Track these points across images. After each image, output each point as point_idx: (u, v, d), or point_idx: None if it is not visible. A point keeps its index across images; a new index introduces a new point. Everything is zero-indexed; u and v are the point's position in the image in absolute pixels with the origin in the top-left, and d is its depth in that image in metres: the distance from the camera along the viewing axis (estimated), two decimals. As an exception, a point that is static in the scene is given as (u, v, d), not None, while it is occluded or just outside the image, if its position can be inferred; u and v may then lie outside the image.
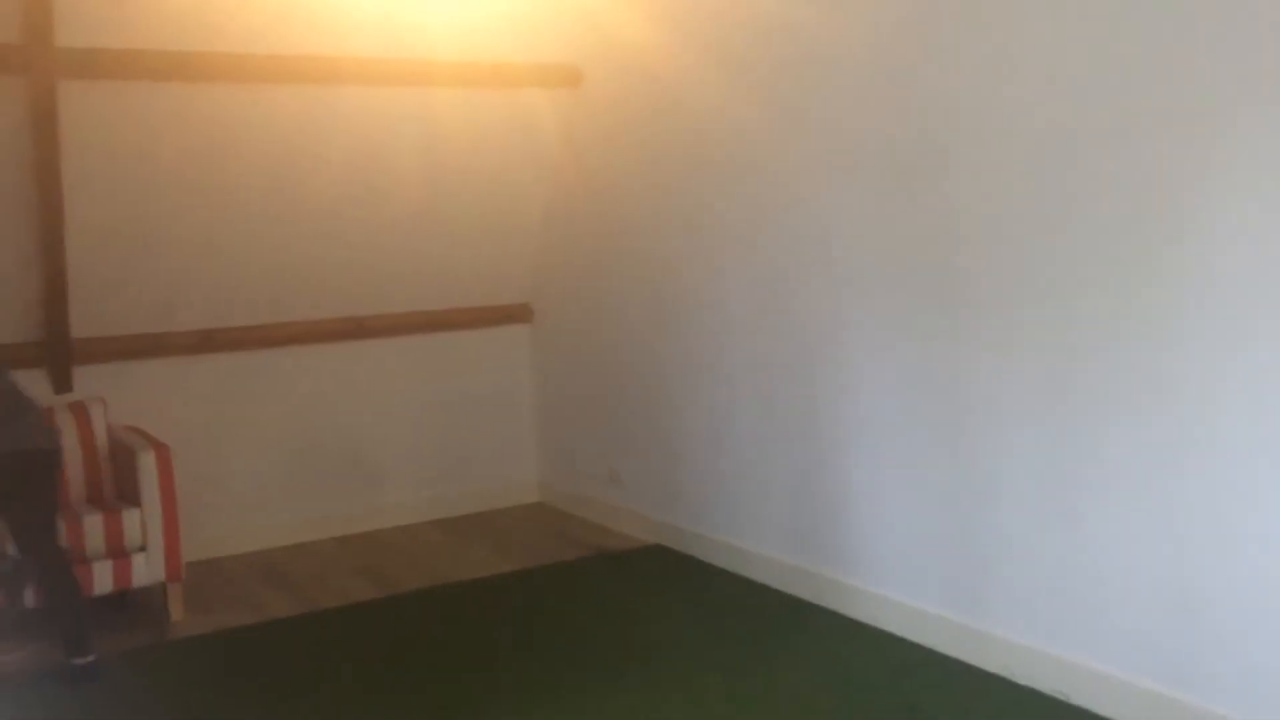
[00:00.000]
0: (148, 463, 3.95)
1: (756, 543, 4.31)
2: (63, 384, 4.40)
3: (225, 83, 4.10)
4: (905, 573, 3.70)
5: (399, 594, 4.29)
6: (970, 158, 3.35)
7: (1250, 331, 2.72)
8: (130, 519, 3.92)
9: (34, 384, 4.07)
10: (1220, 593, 2.83)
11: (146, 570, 3.95)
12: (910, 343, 3.61)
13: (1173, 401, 2.90)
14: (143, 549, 3.95)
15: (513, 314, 5.51)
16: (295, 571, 4.60)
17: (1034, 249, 3.20)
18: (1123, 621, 3.07)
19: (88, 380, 4.43)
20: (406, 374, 5.24)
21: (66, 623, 3.50)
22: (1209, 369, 2.81)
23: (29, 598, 3.62)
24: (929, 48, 3.45)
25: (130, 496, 4.03)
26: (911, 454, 3.64)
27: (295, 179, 4.48)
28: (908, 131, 3.54)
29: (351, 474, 5.14)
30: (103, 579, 3.86)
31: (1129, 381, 2.99)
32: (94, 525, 3.85)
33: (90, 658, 3.49)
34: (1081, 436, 3.12)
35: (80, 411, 4.21)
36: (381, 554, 4.82)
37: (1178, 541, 2.92)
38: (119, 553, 3.90)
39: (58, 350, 4.36)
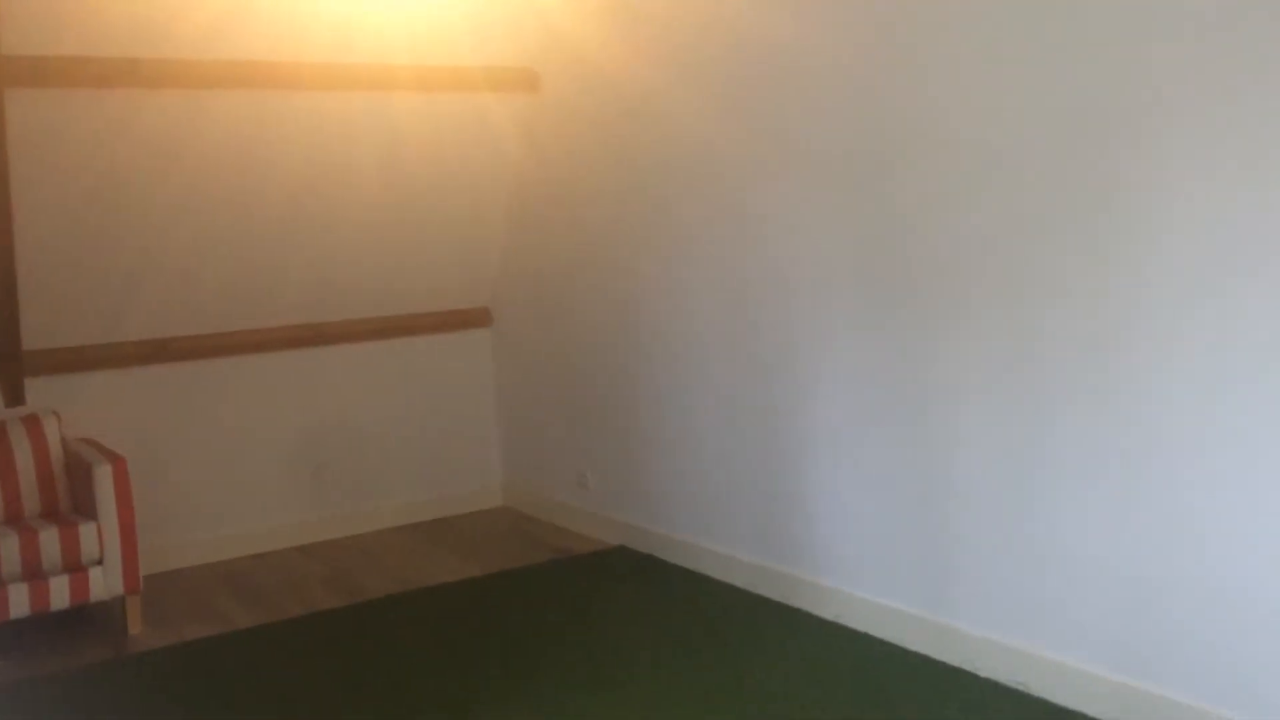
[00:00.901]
0: (103, 475, 3.90)
1: (721, 543, 4.33)
2: (15, 397, 4.34)
3: (175, 89, 4.05)
4: (868, 569, 3.73)
5: (364, 601, 4.26)
6: (924, 163, 3.39)
7: (1202, 325, 2.76)
8: (86, 532, 3.86)
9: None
10: (1177, 583, 2.88)
11: (104, 584, 3.90)
12: (869, 343, 3.63)
13: (1127, 396, 2.94)
14: (99, 562, 3.89)
15: (473, 318, 5.50)
16: (258, 581, 4.56)
17: (987, 250, 3.24)
18: (1081, 613, 3.11)
19: (41, 392, 4.37)
20: (367, 380, 5.21)
21: None
22: (1161, 364, 2.85)
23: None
24: (883, 55, 3.48)
25: (86, 510, 3.98)
26: (872, 453, 3.67)
27: (249, 185, 4.44)
28: (863, 137, 3.57)
29: (314, 481, 5.10)
30: (59, 593, 3.81)
31: (1083, 377, 3.03)
32: (50, 539, 3.80)
33: None
34: (1038, 432, 3.16)
35: (34, 424, 4.15)
36: (346, 561, 4.79)
37: (1134, 534, 2.96)
38: (75, 567, 3.85)
39: (9, 362, 4.30)
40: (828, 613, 3.84)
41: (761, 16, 3.84)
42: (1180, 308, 2.80)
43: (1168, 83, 2.77)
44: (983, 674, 3.33)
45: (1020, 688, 3.23)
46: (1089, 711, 3.07)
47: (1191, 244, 2.76)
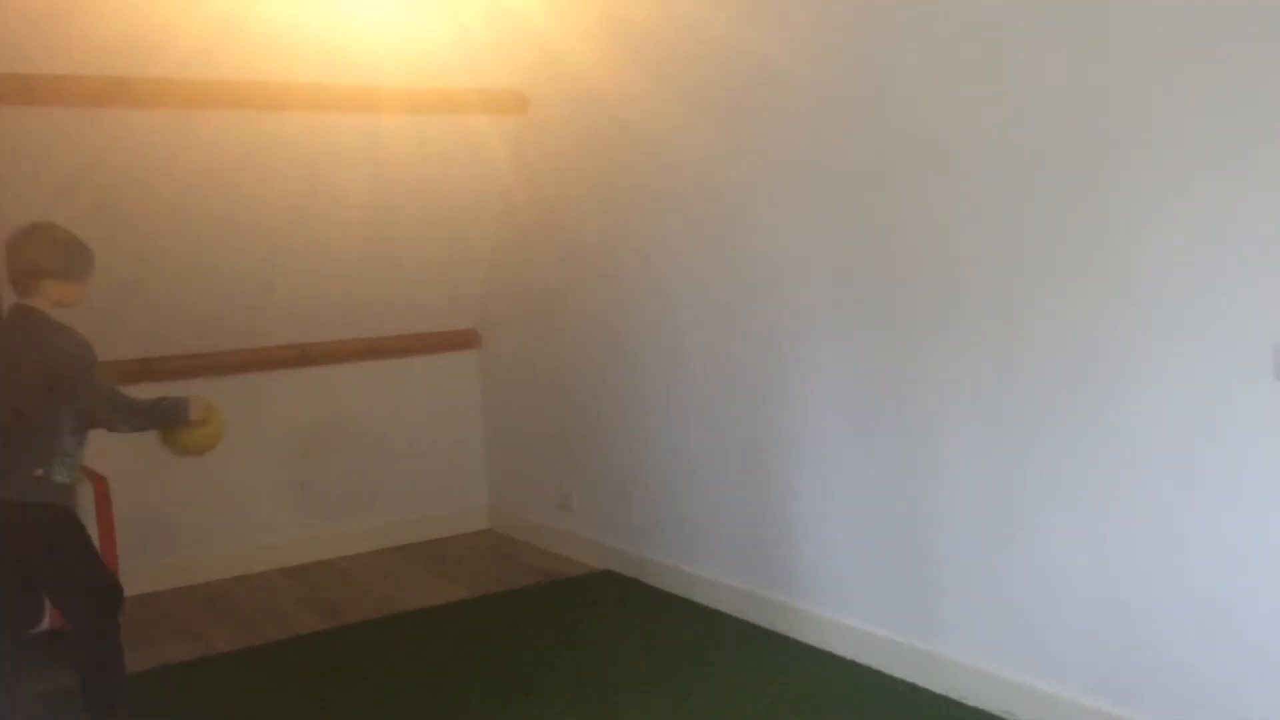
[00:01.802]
0: (85, 496, 3.85)
1: (706, 567, 4.31)
2: (-3, 415, 4.29)
3: (164, 108, 4.04)
4: (854, 596, 3.72)
5: (347, 624, 4.23)
6: (912, 182, 3.40)
7: (1189, 347, 2.77)
8: (67, 553, 3.82)
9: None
10: (1164, 610, 2.88)
11: (84, 606, 3.85)
12: (855, 366, 3.64)
13: (1113, 421, 2.95)
14: (80, 584, 3.84)
15: (460, 340, 5.49)
16: (239, 604, 4.52)
17: (973, 272, 3.25)
18: (1068, 640, 3.11)
19: (23, 411, 4.32)
20: (353, 401, 5.19)
21: (96, 686, 3.27)
22: (1148, 387, 2.86)
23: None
24: (872, 73, 3.50)
25: (67, 530, 3.93)
26: (859, 478, 3.67)
27: (237, 205, 4.43)
28: (853, 156, 3.59)
29: (297, 503, 5.07)
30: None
31: (1070, 401, 3.04)
32: (29, 560, 3.75)
33: None
34: (1024, 457, 3.17)
35: (15, 443, 4.10)
36: (329, 584, 4.76)
37: (1122, 560, 2.97)
38: (55, 588, 3.80)
39: (-8, 381, 4.25)
40: (814, 639, 3.83)
41: (750, 37, 3.86)
42: (1163, 329, 2.81)
43: (1155, 103, 2.79)
44: (970, 703, 3.32)
45: (1008, 716, 3.23)
46: (1075, 740, 3.07)
47: (1178, 265, 2.78)
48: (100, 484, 3.91)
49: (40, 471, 3.12)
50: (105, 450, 4.42)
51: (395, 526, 5.29)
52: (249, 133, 4.27)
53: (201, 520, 4.81)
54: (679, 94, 4.18)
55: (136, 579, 4.45)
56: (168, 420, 3.40)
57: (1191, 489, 2.80)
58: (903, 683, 3.50)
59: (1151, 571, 2.90)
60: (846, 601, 3.74)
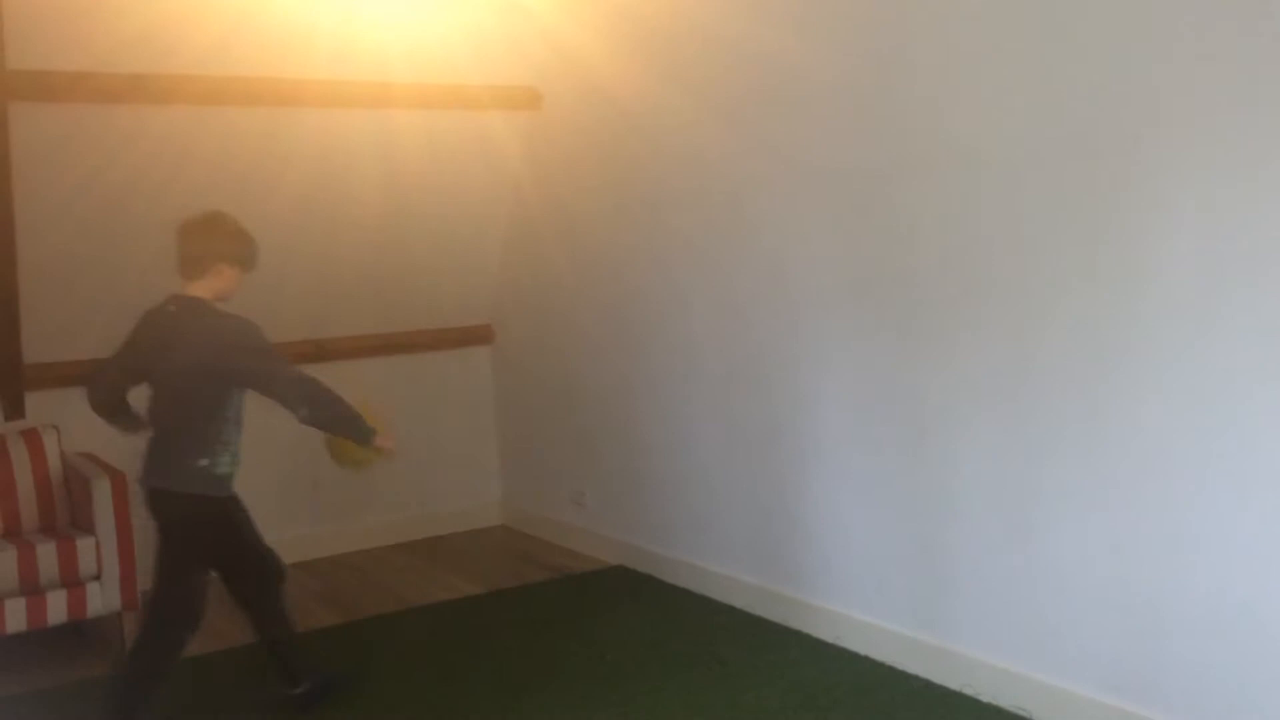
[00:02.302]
0: (102, 490, 3.89)
1: (719, 563, 4.32)
2: (15, 410, 4.33)
3: (179, 104, 4.06)
4: (867, 591, 3.72)
5: (360, 619, 4.25)
6: (924, 182, 3.40)
7: (1201, 346, 2.77)
8: (85, 548, 3.85)
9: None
10: (1180, 607, 2.87)
11: (101, 599, 3.88)
12: (868, 363, 3.64)
13: (1126, 417, 2.94)
14: (97, 578, 3.88)
15: (474, 336, 5.49)
16: (254, 598, 4.53)
17: (987, 269, 3.25)
18: (1082, 637, 3.10)
19: (41, 406, 4.36)
20: (368, 398, 5.18)
21: (276, 655, 3.42)
22: (1161, 385, 2.86)
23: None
24: (884, 71, 3.49)
25: (85, 525, 3.96)
26: (872, 473, 3.67)
27: (250, 201, 4.41)
28: (865, 153, 3.58)
29: (311, 498, 5.09)
30: (57, 609, 3.79)
31: (1080, 398, 3.04)
32: (47, 554, 3.78)
33: (301, 689, 3.40)
34: (1037, 453, 3.16)
35: (33, 439, 4.14)
36: (342, 579, 4.77)
37: (1135, 556, 2.96)
38: (73, 582, 3.83)
39: (10, 376, 4.29)
40: (827, 634, 3.83)
41: (764, 33, 3.86)
42: (1177, 326, 2.81)
43: (1172, 102, 2.78)
44: (984, 699, 3.32)
45: (1022, 713, 3.22)
46: (1090, 737, 3.06)
47: (1190, 265, 2.77)
48: (117, 478, 3.93)
49: (205, 462, 3.16)
50: (121, 447, 4.45)
51: (409, 522, 5.31)
52: (264, 129, 4.29)
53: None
54: (692, 91, 4.18)
55: (151, 573, 4.47)
56: (356, 429, 3.35)
57: (1207, 487, 2.79)
58: (916, 678, 3.50)
59: (1167, 568, 2.89)
60: (860, 597, 3.74)
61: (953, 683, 3.41)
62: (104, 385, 3.32)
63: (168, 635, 3.24)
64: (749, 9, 3.92)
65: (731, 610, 4.17)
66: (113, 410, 3.34)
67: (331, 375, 5.01)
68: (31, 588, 3.75)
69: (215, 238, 3.23)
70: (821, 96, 3.70)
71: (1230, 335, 2.71)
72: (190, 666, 3.80)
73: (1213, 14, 2.67)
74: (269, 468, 4.94)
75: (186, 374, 3.15)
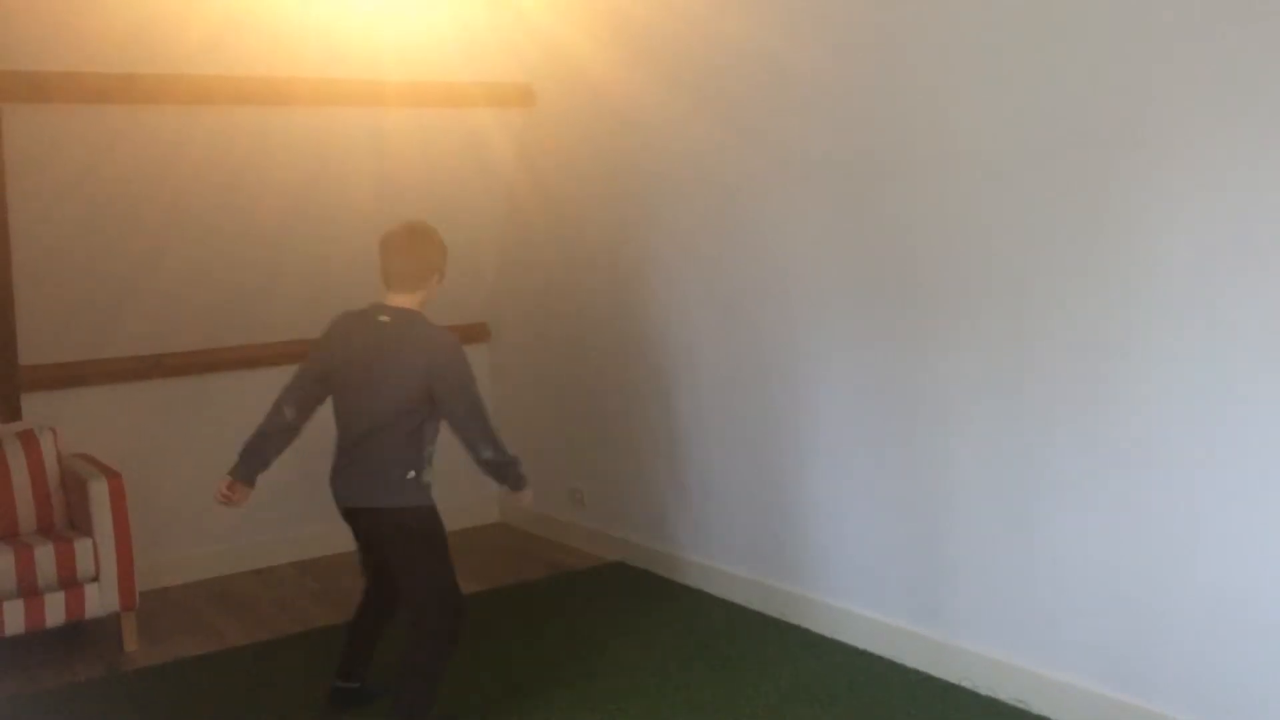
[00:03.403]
0: (99, 491, 3.88)
1: (717, 558, 4.32)
2: (11, 412, 4.32)
3: (170, 104, 4.03)
4: (865, 585, 3.72)
5: (359, 618, 4.24)
6: (923, 176, 3.39)
7: (1197, 337, 2.77)
8: (82, 549, 3.85)
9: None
10: (1176, 598, 2.88)
11: (99, 601, 3.88)
12: (867, 357, 3.63)
13: (1123, 410, 2.94)
14: (95, 579, 3.87)
15: (470, 334, 5.47)
16: (253, 598, 4.54)
17: (982, 262, 3.25)
18: (1080, 629, 3.10)
19: (37, 408, 4.35)
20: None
21: (358, 654, 3.34)
22: (1157, 377, 2.86)
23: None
24: (879, 67, 3.49)
25: (82, 526, 3.96)
26: (869, 467, 3.67)
27: (244, 200, 4.43)
28: (859, 148, 3.57)
29: (309, 497, 5.05)
30: (55, 610, 3.79)
31: (1078, 391, 3.04)
32: (45, 556, 3.78)
33: (351, 685, 3.34)
34: (1033, 446, 3.16)
35: (30, 440, 4.13)
36: (341, 577, 4.77)
37: (1133, 548, 2.96)
38: (71, 583, 3.83)
39: (6, 378, 4.27)
40: (825, 629, 3.83)
41: (758, 32, 3.85)
42: (1175, 320, 2.81)
43: (1168, 95, 2.78)
44: (982, 691, 3.33)
45: (1021, 706, 3.23)
46: (1088, 729, 3.07)
47: (1186, 256, 2.77)
48: (114, 479, 3.92)
49: (412, 474, 3.10)
50: (118, 445, 4.46)
51: (407, 519, 5.30)
52: (255, 127, 4.27)
53: (215, 514, 4.81)
54: (685, 86, 4.17)
55: (150, 574, 4.49)
56: (511, 478, 3.27)
57: (1203, 478, 2.79)
58: (915, 672, 3.50)
59: (1163, 560, 2.89)
60: (859, 591, 3.74)
61: (951, 676, 3.42)
62: (296, 397, 3.21)
63: (439, 633, 3.11)
64: (743, 8, 3.91)
65: (729, 605, 4.17)
66: (295, 429, 3.23)
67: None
68: (29, 589, 3.74)
69: (430, 249, 3.18)
70: (817, 93, 3.69)
71: (1226, 329, 2.71)
72: (192, 666, 3.81)
73: (1210, 9, 2.67)
74: (269, 468, 4.93)
75: (401, 387, 3.06)
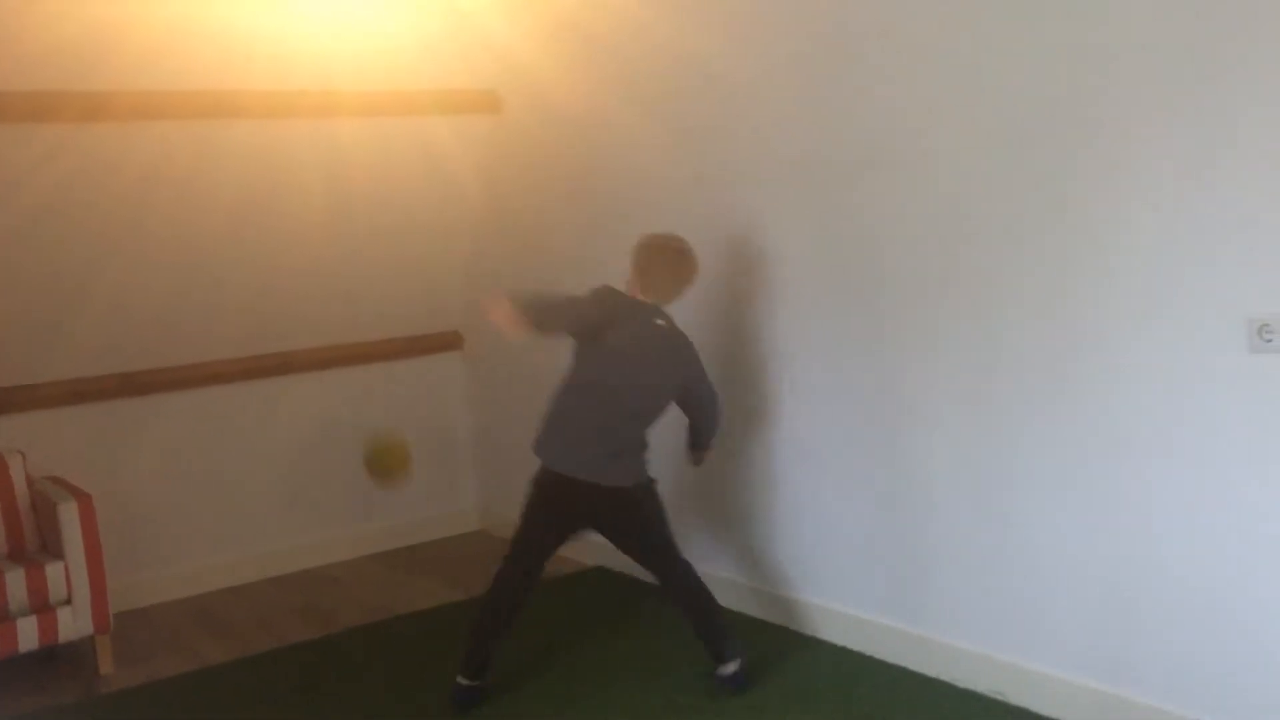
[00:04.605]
0: (69, 513, 3.84)
1: (696, 559, 4.28)
2: (-20, 436, 4.27)
3: (106, 121, 3.91)
4: (845, 584, 3.72)
5: (340, 632, 4.22)
6: (886, 178, 3.40)
7: (1162, 327, 2.78)
8: (54, 572, 3.80)
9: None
10: (1150, 587, 2.89)
11: (73, 624, 3.83)
12: (840, 359, 3.64)
13: (1091, 403, 2.96)
14: (68, 602, 3.83)
15: (444, 342, 5.47)
16: (231, 615, 4.50)
17: (951, 263, 3.26)
18: (1057, 621, 3.11)
19: (7, 431, 4.30)
20: (337, 407, 5.16)
21: (704, 635, 3.45)
22: (1126, 368, 2.87)
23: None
24: (840, 76, 3.50)
25: (53, 549, 3.92)
26: (846, 465, 3.67)
27: (187, 215, 4.37)
28: (825, 152, 3.58)
29: (286, 512, 5.05)
30: (28, 635, 3.74)
31: (1051, 385, 3.05)
32: (16, 581, 3.73)
33: (732, 667, 3.40)
34: (1006, 440, 3.18)
35: (-2, 464, 4.08)
36: (320, 592, 4.74)
37: (1106, 539, 2.97)
38: (43, 607, 3.78)
39: (-29, 402, 4.23)
40: (805, 627, 3.84)
41: (709, 39, 3.86)
42: (1141, 311, 2.82)
43: (1124, 88, 2.79)
44: (961, 685, 3.33)
45: (999, 697, 3.24)
46: (1068, 719, 3.08)
47: (1149, 247, 2.79)
48: (84, 501, 3.88)
49: (646, 455, 3.47)
50: (90, 466, 4.41)
51: (386, 531, 5.28)
52: (200, 142, 4.18)
53: (190, 532, 4.79)
54: (648, 95, 4.17)
55: (126, 594, 4.44)
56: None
57: (1172, 466, 2.80)
58: (895, 668, 3.51)
59: (1136, 549, 2.91)
60: (838, 589, 3.75)
61: (931, 670, 3.43)
62: (575, 316, 3.39)
63: (695, 590, 3.48)
64: (701, 23, 3.91)
65: (711, 607, 4.16)
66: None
67: (300, 387, 5.04)
68: (1, 615, 3.70)
69: (694, 265, 3.46)
70: (778, 100, 3.70)
71: (1188, 316, 2.73)
72: (170, 687, 3.78)
73: (1167, 5, 2.68)
74: (242, 483, 4.91)
75: (664, 389, 3.43)
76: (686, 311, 4.15)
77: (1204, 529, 2.76)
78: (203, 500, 4.80)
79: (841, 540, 3.72)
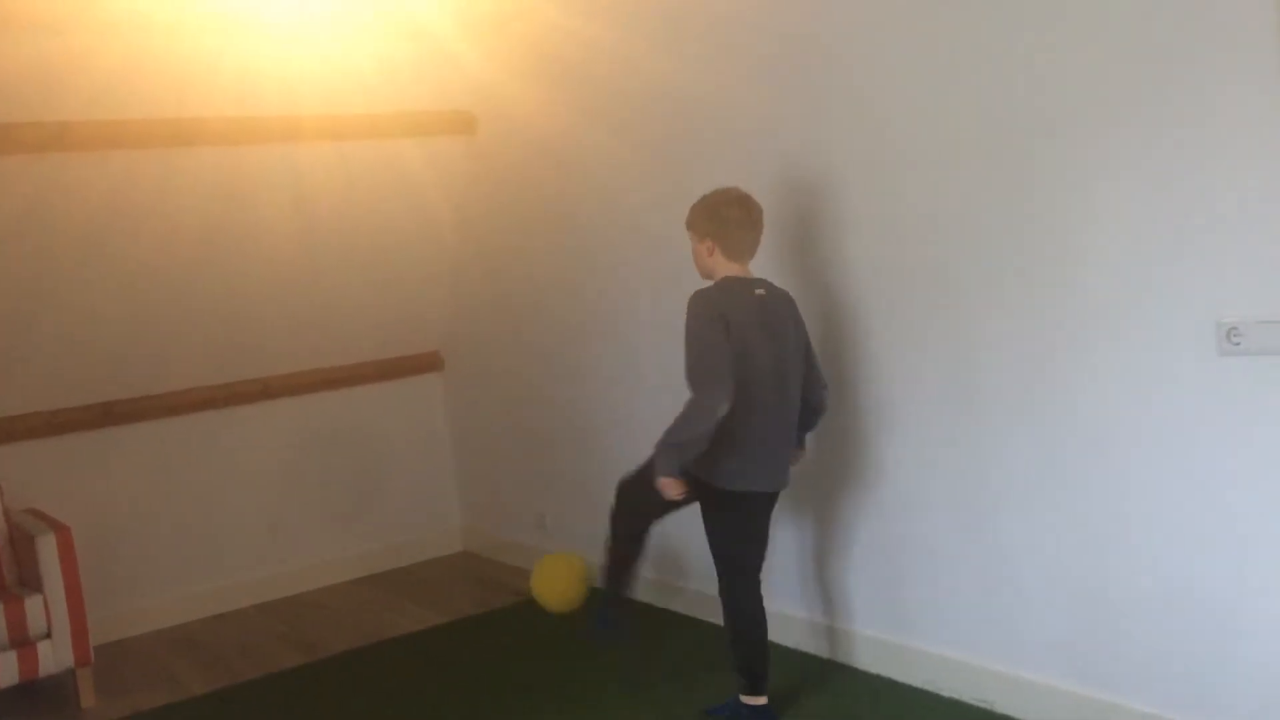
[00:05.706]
0: (47, 546, 3.81)
1: (682, 578, 4.31)
2: (-44, 471, 4.24)
3: (61, 151, 3.89)
4: (825, 595, 3.72)
5: (326, 657, 4.19)
6: (856, 189, 3.42)
7: (1132, 332, 2.80)
8: (33, 606, 3.77)
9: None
10: (1129, 590, 2.90)
11: (53, 658, 3.80)
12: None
13: (1067, 407, 2.97)
14: (48, 636, 3.79)
15: (424, 363, 5.46)
16: (214, 643, 4.47)
17: (923, 272, 3.27)
18: (1039, 627, 3.12)
19: (-14, 465, 4.27)
20: (318, 432, 5.14)
21: (738, 656, 3.23)
22: (1097, 373, 2.89)
23: None
24: (801, 90, 3.52)
25: (32, 583, 3.88)
26: (825, 476, 3.67)
27: (174, 243, 4.35)
28: (793, 168, 3.60)
29: (268, 538, 5.03)
30: (8, 670, 3.70)
31: (1024, 391, 3.07)
32: (-6, 615, 3.70)
33: (758, 702, 3.18)
34: (984, 450, 3.19)
35: (-25, 498, 4.05)
36: (305, 617, 4.71)
37: (1083, 543, 2.99)
38: (23, 642, 3.75)
39: (-51, 437, 4.20)
40: (790, 641, 3.83)
41: (681, 65, 3.89)
42: (1111, 315, 2.84)
43: (1090, 93, 2.82)
44: (945, 694, 3.34)
45: (984, 705, 3.24)
46: (1052, 725, 3.09)
47: (1119, 252, 2.81)
48: (63, 533, 3.85)
49: (802, 449, 3.31)
50: (69, 498, 4.39)
51: (370, 555, 5.26)
52: (159, 170, 4.17)
53: (171, 562, 4.76)
54: (619, 116, 4.19)
55: (107, 626, 4.41)
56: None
57: (1146, 469, 2.82)
58: (879, 678, 3.51)
59: (1113, 553, 2.92)
60: (819, 600, 3.75)
61: (915, 680, 3.43)
62: (728, 387, 2.94)
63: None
64: (668, 48, 3.94)
65: (697, 623, 4.16)
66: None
67: (280, 412, 5.02)
68: (-19, 650, 3.67)
69: (759, 206, 3.16)
70: (743, 117, 3.72)
71: (1158, 319, 2.75)
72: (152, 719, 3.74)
73: (1131, 7, 2.72)
74: (223, 510, 4.89)
75: (794, 356, 3.11)
76: (662, 332, 4.17)
77: (1178, 528, 2.77)
78: (183, 529, 4.78)
79: (820, 551, 3.72)
